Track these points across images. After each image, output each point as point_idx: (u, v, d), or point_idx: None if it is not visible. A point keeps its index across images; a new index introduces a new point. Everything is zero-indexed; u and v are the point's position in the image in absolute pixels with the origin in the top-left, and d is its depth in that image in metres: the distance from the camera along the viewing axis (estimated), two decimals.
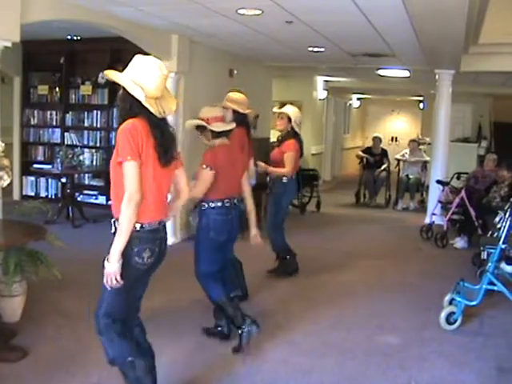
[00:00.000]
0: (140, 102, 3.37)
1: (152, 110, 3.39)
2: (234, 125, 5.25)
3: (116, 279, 3.34)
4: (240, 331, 4.90)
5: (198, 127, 5.12)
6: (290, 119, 7.02)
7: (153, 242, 3.49)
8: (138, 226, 3.40)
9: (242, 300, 5.85)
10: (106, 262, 3.34)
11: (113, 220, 3.48)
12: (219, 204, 4.96)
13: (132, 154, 3.29)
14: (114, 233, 3.39)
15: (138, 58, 3.52)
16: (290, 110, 7.08)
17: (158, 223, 3.53)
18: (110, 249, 3.33)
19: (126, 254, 3.37)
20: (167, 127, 3.57)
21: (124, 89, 3.43)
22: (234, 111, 6.21)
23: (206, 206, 4.97)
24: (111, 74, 3.51)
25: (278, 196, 7.16)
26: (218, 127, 5.01)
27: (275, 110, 7.28)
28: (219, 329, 5.21)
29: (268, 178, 7.40)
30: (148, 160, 3.38)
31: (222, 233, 5.02)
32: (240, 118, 6.13)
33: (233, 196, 5.07)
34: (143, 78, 3.40)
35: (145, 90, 3.38)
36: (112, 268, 3.32)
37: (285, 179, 7.03)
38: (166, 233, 3.66)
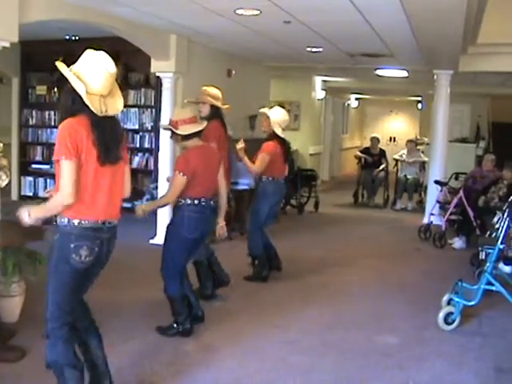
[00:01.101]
0: (78, 97, 3.34)
1: (91, 107, 3.34)
2: (204, 124, 5.24)
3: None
4: (175, 325, 5.16)
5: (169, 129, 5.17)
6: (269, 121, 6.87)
7: (92, 240, 3.43)
8: (75, 222, 3.39)
9: (226, 285, 6.28)
10: (25, 211, 3.44)
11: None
12: (195, 202, 5.02)
13: (67, 153, 3.26)
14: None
15: (87, 53, 3.47)
16: (272, 112, 6.92)
17: (102, 223, 3.47)
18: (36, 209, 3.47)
19: (63, 251, 3.40)
20: (112, 125, 3.52)
21: (69, 83, 3.39)
22: (211, 106, 6.30)
23: (183, 202, 5.03)
24: (60, 67, 3.44)
25: (257, 196, 7.10)
26: (184, 130, 5.02)
27: (261, 110, 7.15)
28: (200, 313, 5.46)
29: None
30: (89, 159, 3.34)
31: (194, 231, 5.07)
32: (216, 112, 6.25)
33: (209, 196, 5.14)
34: (88, 73, 3.37)
35: (88, 86, 3.34)
36: (27, 220, 3.45)
37: (264, 179, 6.93)
38: (112, 235, 3.59)
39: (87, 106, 3.33)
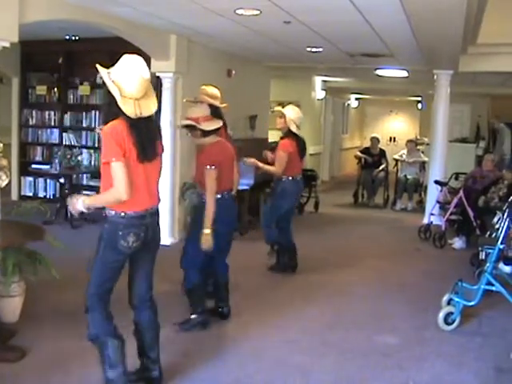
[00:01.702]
0: (115, 101, 3.61)
1: (125, 111, 3.59)
2: (221, 123, 5.34)
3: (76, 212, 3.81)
4: (193, 316, 5.30)
5: (188, 126, 5.24)
6: (291, 120, 6.99)
7: (138, 227, 3.76)
8: (122, 213, 3.70)
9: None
10: (79, 199, 3.74)
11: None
12: (219, 196, 5.11)
13: (117, 156, 3.55)
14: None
15: (124, 58, 3.70)
16: (287, 110, 7.06)
17: (145, 210, 3.79)
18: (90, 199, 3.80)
19: (112, 238, 3.73)
20: (147, 126, 3.76)
21: (106, 88, 3.68)
22: (210, 105, 6.30)
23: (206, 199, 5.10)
24: (101, 71, 3.71)
25: (276, 196, 7.19)
26: (207, 126, 5.13)
27: (276, 108, 7.22)
28: (219, 309, 5.59)
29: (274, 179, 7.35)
30: (130, 157, 3.62)
31: (225, 224, 5.18)
32: (215, 112, 6.24)
33: (231, 188, 5.35)
34: (123, 78, 3.61)
35: (123, 90, 3.60)
36: (79, 207, 3.73)
37: (284, 178, 7.03)
38: (155, 220, 3.94)
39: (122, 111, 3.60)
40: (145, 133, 3.70)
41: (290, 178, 7.05)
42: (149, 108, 3.72)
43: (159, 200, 3.97)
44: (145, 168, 3.74)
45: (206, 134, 5.15)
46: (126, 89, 3.59)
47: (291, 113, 7.02)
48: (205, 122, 5.13)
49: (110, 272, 3.84)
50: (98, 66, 3.74)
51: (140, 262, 3.99)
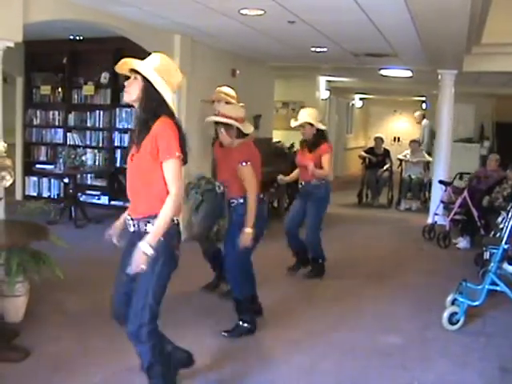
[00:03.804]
0: (164, 101, 3.43)
1: (175, 111, 3.48)
2: (252, 127, 5.37)
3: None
4: (241, 323, 5.23)
5: (220, 123, 5.19)
6: (311, 124, 6.87)
7: (180, 235, 3.60)
8: (175, 220, 3.50)
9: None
10: (144, 245, 3.31)
11: (134, 220, 3.53)
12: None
13: (179, 151, 3.38)
14: (134, 232, 3.51)
15: (162, 56, 3.55)
16: (306, 116, 6.87)
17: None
18: (149, 237, 3.34)
19: (168, 251, 3.47)
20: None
21: (149, 84, 3.43)
22: (227, 103, 6.26)
23: (236, 202, 5.14)
24: (135, 64, 3.47)
25: (319, 200, 7.14)
26: (246, 128, 5.15)
27: (292, 125, 7.02)
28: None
29: (302, 183, 7.26)
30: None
31: (260, 224, 5.13)
32: None
33: (260, 191, 5.22)
34: (172, 78, 3.49)
35: (171, 91, 3.45)
36: (149, 251, 3.32)
37: (324, 181, 7.09)
38: None
39: (168, 109, 3.45)
40: (184, 135, 3.55)
41: (323, 181, 7.12)
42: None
43: None
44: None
45: (241, 135, 5.15)
46: (173, 90, 3.47)
47: (312, 118, 6.86)
48: (243, 123, 5.15)
49: (163, 289, 3.58)
50: (132, 60, 3.50)
51: None
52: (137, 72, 3.46)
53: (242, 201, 5.10)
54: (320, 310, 6.10)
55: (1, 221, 5.40)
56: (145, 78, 3.43)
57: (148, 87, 3.43)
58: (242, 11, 6.38)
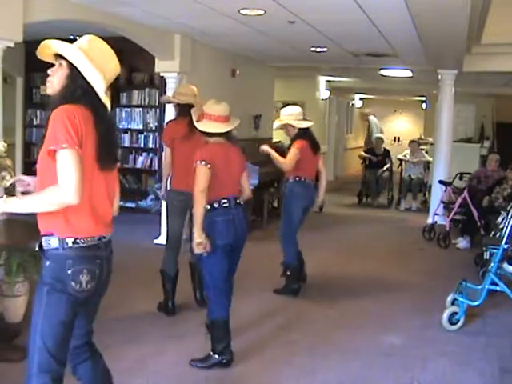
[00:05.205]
0: (91, 90, 2.82)
1: (107, 102, 2.86)
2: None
3: None
4: (212, 354, 4.59)
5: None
6: (290, 125, 6.57)
7: (92, 261, 2.79)
8: (69, 242, 2.72)
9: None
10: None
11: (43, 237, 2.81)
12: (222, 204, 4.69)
13: (70, 141, 2.62)
14: (41, 250, 2.80)
15: (93, 38, 3.02)
16: (287, 117, 6.59)
17: (98, 239, 2.82)
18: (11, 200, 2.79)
19: (60, 280, 2.73)
20: (113, 123, 3.04)
21: (73, 68, 2.89)
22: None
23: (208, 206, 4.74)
24: (58, 47, 2.96)
25: (285, 200, 6.76)
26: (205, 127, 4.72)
27: (274, 126, 6.94)
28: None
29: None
30: (86, 158, 2.69)
31: (225, 236, 4.67)
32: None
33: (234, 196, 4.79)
34: (105, 64, 2.91)
35: (103, 78, 2.85)
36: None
37: (291, 179, 6.54)
38: (110, 252, 2.96)
39: (93, 98, 2.82)
40: (111, 132, 2.92)
41: (297, 178, 6.53)
42: (108, 104, 2.95)
43: (113, 228, 2.99)
44: (100, 178, 2.81)
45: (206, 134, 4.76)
46: (106, 77, 2.88)
47: (291, 117, 6.56)
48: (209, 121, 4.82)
49: (62, 330, 2.78)
50: (55, 41, 3.00)
51: (90, 308, 3.01)
52: (62, 58, 2.93)
53: (207, 207, 4.55)
54: (319, 310, 6.10)
55: (0, 221, 5.39)
56: (71, 64, 2.88)
57: (74, 75, 2.86)
58: (242, 11, 6.39)
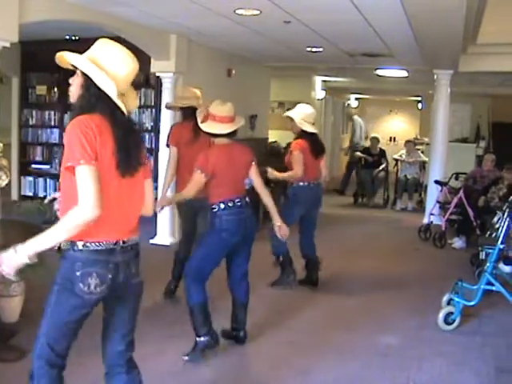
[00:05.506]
0: (104, 96, 2.80)
1: (122, 106, 2.82)
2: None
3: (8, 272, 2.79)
4: (198, 338, 4.68)
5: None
6: (292, 120, 6.62)
7: (103, 265, 2.78)
8: (80, 245, 2.75)
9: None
10: (11, 251, 2.77)
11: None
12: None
13: (84, 157, 2.63)
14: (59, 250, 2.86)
15: (105, 42, 2.99)
16: (293, 111, 6.69)
17: (114, 243, 2.80)
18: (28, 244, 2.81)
19: (69, 280, 2.79)
20: (133, 127, 2.96)
21: (86, 77, 2.87)
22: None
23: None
24: (69, 57, 2.93)
25: (287, 202, 6.84)
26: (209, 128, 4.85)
27: (284, 115, 6.83)
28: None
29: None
30: (104, 167, 2.70)
31: (233, 234, 4.78)
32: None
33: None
34: (116, 69, 2.86)
35: (116, 84, 2.81)
36: (15, 260, 2.78)
37: (295, 184, 6.58)
38: (135, 255, 2.95)
39: (108, 104, 2.80)
40: (131, 136, 2.87)
41: (301, 183, 6.54)
42: (134, 104, 3.04)
43: (138, 232, 2.98)
44: (121, 184, 2.81)
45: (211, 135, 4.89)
46: (119, 82, 2.83)
47: (297, 114, 6.60)
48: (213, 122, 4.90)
49: (64, 328, 2.94)
50: (66, 53, 2.96)
51: (114, 311, 3.05)
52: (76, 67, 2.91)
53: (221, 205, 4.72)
54: (316, 310, 6.10)
55: None
56: (84, 73, 2.88)
57: (87, 84, 2.85)
58: (237, 11, 6.39)
